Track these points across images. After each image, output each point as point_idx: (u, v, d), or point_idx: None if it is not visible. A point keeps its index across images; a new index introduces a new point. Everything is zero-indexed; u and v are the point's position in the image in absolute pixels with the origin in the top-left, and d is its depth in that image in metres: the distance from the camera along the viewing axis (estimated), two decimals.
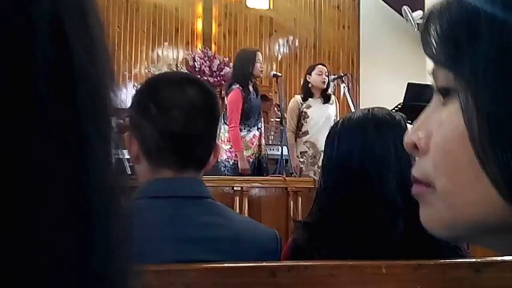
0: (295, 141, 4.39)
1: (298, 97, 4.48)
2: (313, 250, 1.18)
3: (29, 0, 0.24)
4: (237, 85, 4.01)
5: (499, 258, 1.06)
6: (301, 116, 4.39)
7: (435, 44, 0.42)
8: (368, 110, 1.30)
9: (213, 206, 1.12)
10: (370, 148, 1.22)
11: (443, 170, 0.42)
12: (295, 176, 4.07)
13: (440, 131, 0.42)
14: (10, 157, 0.22)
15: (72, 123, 0.25)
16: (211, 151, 1.15)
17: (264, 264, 1.00)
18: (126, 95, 8.19)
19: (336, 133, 1.29)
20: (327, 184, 1.27)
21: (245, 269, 0.99)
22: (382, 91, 8.07)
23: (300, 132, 4.39)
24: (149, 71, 8.22)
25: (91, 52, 0.27)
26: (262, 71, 4.19)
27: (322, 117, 4.31)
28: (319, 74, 4.38)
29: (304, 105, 4.39)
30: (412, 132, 0.46)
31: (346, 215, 1.20)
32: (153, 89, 1.13)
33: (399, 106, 4.41)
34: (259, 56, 4.13)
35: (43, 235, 0.23)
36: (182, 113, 1.08)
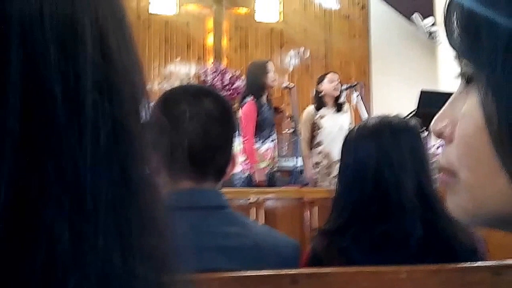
0: (309, 152, 4.39)
1: (311, 108, 4.47)
2: (332, 257, 1.19)
3: (74, 9, 0.25)
4: (251, 98, 4.03)
5: None
6: (315, 127, 4.38)
7: (455, 33, 0.41)
8: (383, 116, 1.31)
9: (232, 216, 1.13)
10: (386, 154, 1.23)
11: (466, 163, 0.42)
12: (310, 187, 4.07)
13: (462, 123, 0.42)
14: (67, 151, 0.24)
15: (118, 119, 0.27)
16: (229, 161, 1.16)
17: (285, 272, 1.01)
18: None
19: (352, 140, 1.30)
20: (344, 191, 1.28)
21: (266, 277, 1.00)
22: (394, 99, 8.06)
23: (314, 143, 4.38)
24: (162, 87, 8.30)
25: (128, 55, 0.29)
26: (275, 80, 4.21)
27: (335, 127, 4.30)
28: (331, 82, 4.38)
29: (317, 116, 4.38)
30: (438, 119, 0.46)
31: (364, 221, 1.20)
32: (170, 102, 1.15)
33: (413, 113, 4.41)
34: (271, 66, 4.16)
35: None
36: (199, 125, 1.10)
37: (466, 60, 0.42)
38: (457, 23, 0.41)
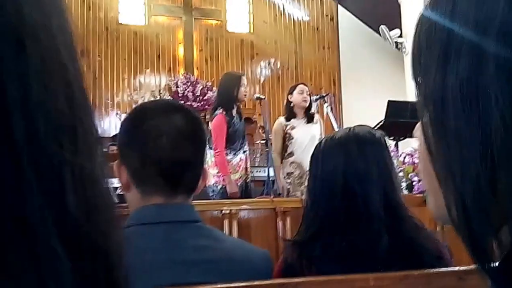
0: (281, 162, 4.42)
1: (282, 119, 4.51)
2: (303, 267, 1.21)
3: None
4: (221, 110, 4.04)
5: None
6: (286, 137, 4.41)
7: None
8: (350, 129, 1.35)
9: (204, 229, 1.15)
10: (353, 165, 1.27)
11: (423, 173, 0.46)
12: (282, 197, 4.10)
13: (419, 139, 0.46)
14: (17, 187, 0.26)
15: (66, 160, 0.29)
16: (200, 176, 1.18)
17: (256, 283, 1.03)
18: (109, 123, 8.23)
19: (320, 152, 1.33)
20: (313, 202, 1.31)
21: None
22: (364, 108, 8.18)
23: (286, 153, 4.40)
24: (132, 99, 8.25)
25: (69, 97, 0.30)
26: (246, 95, 4.23)
27: (306, 137, 4.34)
28: (300, 93, 4.42)
29: (288, 126, 4.42)
30: (416, 128, 0.50)
31: (332, 231, 1.23)
32: (140, 118, 1.16)
33: (381, 124, 4.48)
34: (244, 80, 4.17)
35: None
36: (169, 140, 1.11)
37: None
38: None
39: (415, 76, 0.44)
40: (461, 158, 0.37)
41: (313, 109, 4.56)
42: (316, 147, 1.38)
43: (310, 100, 4.47)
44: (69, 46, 0.31)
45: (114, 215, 0.33)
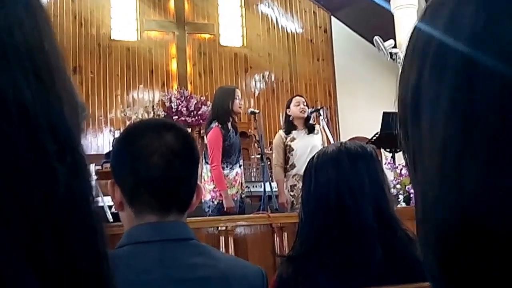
0: (285, 175, 4.42)
1: (281, 132, 4.53)
2: (298, 283, 1.21)
3: None
4: (216, 123, 4.05)
5: None
6: (287, 150, 4.42)
7: None
8: (341, 143, 1.36)
9: (198, 247, 1.14)
10: (345, 179, 1.27)
11: None
12: (285, 211, 4.09)
13: None
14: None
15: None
16: (193, 193, 1.18)
17: None
18: (103, 140, 8.22)
19: (313, 167, 1.34)
20: (307, 217, 1.31)
21: None
22: (360, 119, 8.21)
23: (288, 166, 4.41)
24: (125, 115, 8.23)
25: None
26: (241, 107, 4.25)
27: (307, 148, 4.32)
28: (297, 105, 4.45)
29: (288, 139, 4.43)
30: None
31: (327, 246, 1.23)
32: (131, 138, 1.16)
33: (377, 136, 4.49)
34: (238, 92, 4.20)
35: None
36: (161, 159, 1.11)
37: None
38: None
39: (401, 81, 0.45)
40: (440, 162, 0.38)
41: (311, 121, 4.57)
42: (308, 162, 1.38)
43: (307, 112, 4.48)
44: (60, 68, 0.33)
45: (97, 236, 0.33)
